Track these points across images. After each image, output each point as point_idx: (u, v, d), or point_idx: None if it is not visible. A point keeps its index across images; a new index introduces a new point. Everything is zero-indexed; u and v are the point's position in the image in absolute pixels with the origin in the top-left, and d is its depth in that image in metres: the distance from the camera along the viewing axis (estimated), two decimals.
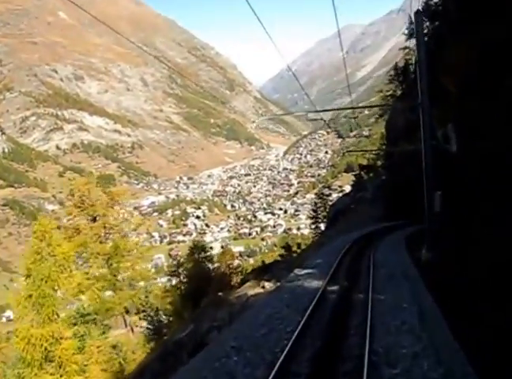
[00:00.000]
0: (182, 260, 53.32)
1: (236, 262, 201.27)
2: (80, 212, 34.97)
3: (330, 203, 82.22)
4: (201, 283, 46.25)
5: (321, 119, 18.24)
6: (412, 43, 44.06)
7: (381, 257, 23.57)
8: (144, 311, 36.35)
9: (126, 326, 35.43)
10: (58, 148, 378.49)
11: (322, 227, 75.75)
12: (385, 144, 58.71)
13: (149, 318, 37.45)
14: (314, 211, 78.83)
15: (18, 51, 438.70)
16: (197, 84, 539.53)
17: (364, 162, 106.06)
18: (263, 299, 18.36)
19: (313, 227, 78.43)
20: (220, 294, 31.46)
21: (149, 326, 37.00)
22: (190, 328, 22.75)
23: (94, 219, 35.44)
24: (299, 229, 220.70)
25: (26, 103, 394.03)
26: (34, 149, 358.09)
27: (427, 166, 18.91)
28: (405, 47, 46.62)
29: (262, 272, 34.70)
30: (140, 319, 35.09)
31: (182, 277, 50.22)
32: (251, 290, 24.53)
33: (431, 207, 18.54)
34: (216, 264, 53.59)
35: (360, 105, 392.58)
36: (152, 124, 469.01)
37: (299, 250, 70.80)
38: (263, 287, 24.19)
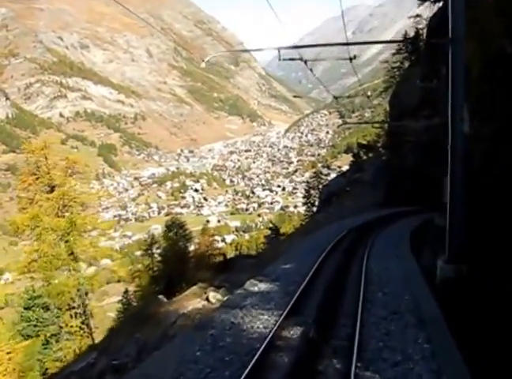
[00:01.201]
0: (156, 237, 49.11)
1: (231, 237, 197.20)
2: (36, 181, 30.02)
3: (324, 183, 77.38)
4: (176, 265, 42.50)
5: (302, 60, 12.67)
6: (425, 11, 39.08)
7: (377, 266, 17.37)
8: (73, 307, 29.70)
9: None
10: (61, 115, 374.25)
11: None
12: (388, 122, 53.72)
13: (83, 317, 30.31)
14: (307, 191, 74.34)
15: (24, 17, 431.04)
16: (202, 58, 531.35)
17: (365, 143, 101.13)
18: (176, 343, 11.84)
19: (306, 207, 74.06)
20: (161, 297, 26.87)
21: (82, 325, 31.00)
22: (90, 357, 18.20)
23: (52, 190, 30.56)
24: (295, 207, 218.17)
25: (31, 69, 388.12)
26: (37, 116, 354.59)
27: (454, 140, 13.29)
28: (417, 15, 41.59)
29: (222, 268, 30.60)
30: (71, 317, 29.60)
31: (153, 258, 45.93)
32: (192, 301, 19.82)
33: (454, 199, 12.94)
34: (193, 244, 50.11)
35: (365, 84, 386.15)
36: (155, 96, 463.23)
37: (287, 232, 67.20)
38: (207, 300, 19.37)
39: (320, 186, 74.26)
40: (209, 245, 50.51)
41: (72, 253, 29.85)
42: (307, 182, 77.45)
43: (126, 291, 46.83)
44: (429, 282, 14.00)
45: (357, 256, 19.44)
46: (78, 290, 29.23)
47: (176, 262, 42.84)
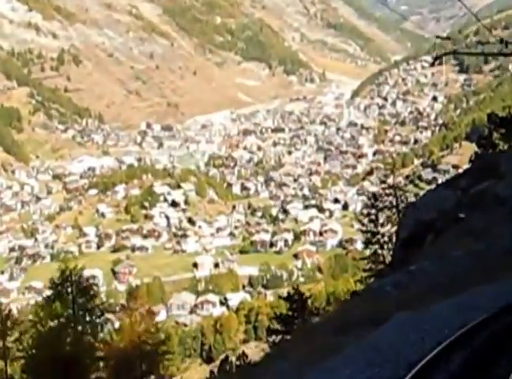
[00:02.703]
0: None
1: (240, 296, 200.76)
2: None
3: (411, 200, 70.91)
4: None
5: None
6: None
7: None
8: None
9: None
10: None
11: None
12: None
13: None
14: (372, 219, 65.91)
15: None
16: None
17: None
18: None
19: (367, 253, 69.10)
20: None
21: None
22: None
23: None
24: (368, 244, 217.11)
25: None
26: None
27: None
28: None
29: None
30: None
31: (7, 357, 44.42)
32: None
33: None
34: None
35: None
36: (101, 18, 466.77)
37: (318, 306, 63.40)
38: None
39: (398, 208, 67.50)
40: (144, 330, 45.87)
41: None
42: (373, 198, 69.18)
43: None
44: None
45: None
46: None
47: (59, 370, 39.81)
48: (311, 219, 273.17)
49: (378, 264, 62.68)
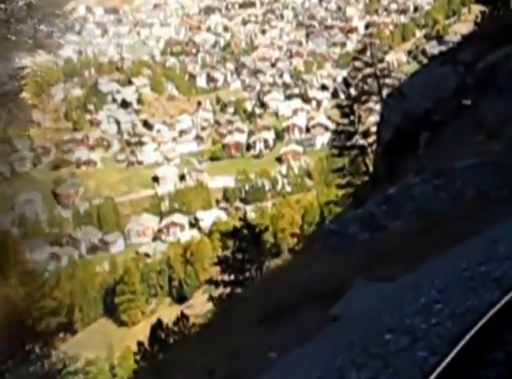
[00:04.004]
0: None
1: (214, 213, 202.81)
2: None
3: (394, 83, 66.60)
4: None
5: None
6: None
7: None
8: None
9: None
10: None
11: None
12: None
13: None
14: (346, 113, 64.24)
15: None
16: None
17: None
18: None
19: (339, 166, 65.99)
20: None
21: None
22: None
23: None
24: (366, 135, 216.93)
25: None
26: None
27: None
28: None
29: None
30: None
31: None
32: None
33: None
34: None
35: None
36: None
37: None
38: None
39: (385, 92, 64.67)
40: (23, 298, 42.49)
41: None
42: (345, 84, 67.09)
43: None
44: None
45: None
46: None
47: None
48: (295, 112, 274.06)
49: (360, 177, 60.82)
